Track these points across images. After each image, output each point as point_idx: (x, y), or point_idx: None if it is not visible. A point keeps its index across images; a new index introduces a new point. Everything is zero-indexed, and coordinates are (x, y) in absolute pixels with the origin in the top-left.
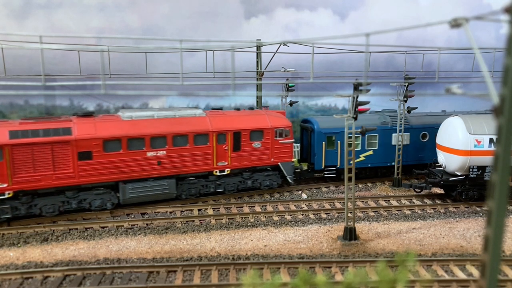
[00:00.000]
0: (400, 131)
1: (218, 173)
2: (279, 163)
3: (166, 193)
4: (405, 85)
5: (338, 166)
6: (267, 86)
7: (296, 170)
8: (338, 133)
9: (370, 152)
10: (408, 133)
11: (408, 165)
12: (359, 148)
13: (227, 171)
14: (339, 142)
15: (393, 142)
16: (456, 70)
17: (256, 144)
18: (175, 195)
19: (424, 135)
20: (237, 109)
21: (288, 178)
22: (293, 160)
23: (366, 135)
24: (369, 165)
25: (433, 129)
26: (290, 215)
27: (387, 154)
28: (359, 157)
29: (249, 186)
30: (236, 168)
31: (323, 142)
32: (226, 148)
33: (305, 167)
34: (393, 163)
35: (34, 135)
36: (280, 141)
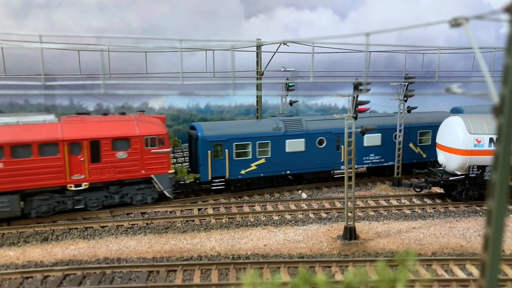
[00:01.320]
0: (400, 130)
1: (74, 188)
2: (152, 176)
3: (7, 212)
4: (405, 85)
5: (227, 177)
6: (267, 86)
7: (180, 182)
8: (226, 140)
9: (263, 161)
10: (302, 139)
11: (304, 173)
12: (249, 157)
13: (85, 185)
14: (227, 150)
15: (287, 149)
16: (456, 70)
17: (121, 155)
18: (19, 213)
19: (321, 141)
20: (105, 114)
21: (165, 192)
22: (171, 171)
23: (257, 142)
24: (262, 175)
25: (331, 134)
26: (290, 214)
27: (280, 163)
28: (250, 166)
29: (117, 201)
30: (96, 182)
31: (209, 151)
32: (82, 159)
33: (191, 179)
34: (288, 172)
35: None
36: (152, 151)
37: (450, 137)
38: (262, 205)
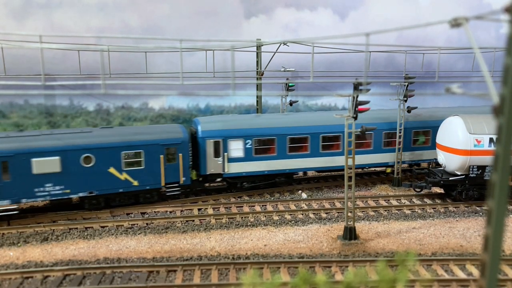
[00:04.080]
0: (400, 131)
1: None
2: None
3: None
4: (405, 85)
5: None
6: (267, 86)
7: None
8: None
9: None
10: (59, 157)
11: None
12: None
13: None
14: None
15: None
16: (456, 70)
17: None
18: None
19: (88, 159)
20: None
21: None
22: None
23: None
24: None
25: (72, 153)
26: (290, 214)
27: None
28: None
29: None
30: None
31: None
32: None
33: None
34: None
35: None
36: None
37: (450, 137)
38: (262, 205)
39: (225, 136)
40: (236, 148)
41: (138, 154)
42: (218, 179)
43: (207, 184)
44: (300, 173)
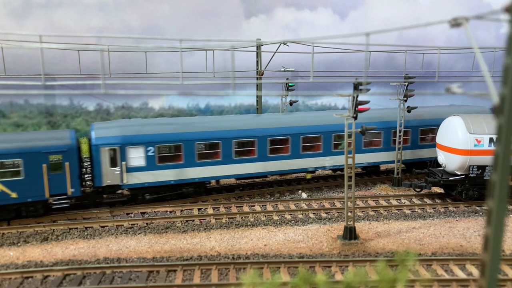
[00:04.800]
0: (400, 130)
1: None
2: None
3: None
4: (405, 85)
5: None
6: (267, 86)
7: None
8: None
9: None
10: None
11: None
12: None
13: None
14: None
15: None
16: (456, 70)
17: None
18: None
19: None
20: None
21: None
22: None
23: None
24: None
25: None
26: (290, 214)
27: None
28: None
29: None
30: None
31: None
32: None
33: None
34: None
35: None
36: None
37: (450, 137)
38: (262, 205)
39: (122, 143)
40: (136, 156)
41: (16, 163)
42: (119, 191)
43: (105, 196)
44: (213, 182)
